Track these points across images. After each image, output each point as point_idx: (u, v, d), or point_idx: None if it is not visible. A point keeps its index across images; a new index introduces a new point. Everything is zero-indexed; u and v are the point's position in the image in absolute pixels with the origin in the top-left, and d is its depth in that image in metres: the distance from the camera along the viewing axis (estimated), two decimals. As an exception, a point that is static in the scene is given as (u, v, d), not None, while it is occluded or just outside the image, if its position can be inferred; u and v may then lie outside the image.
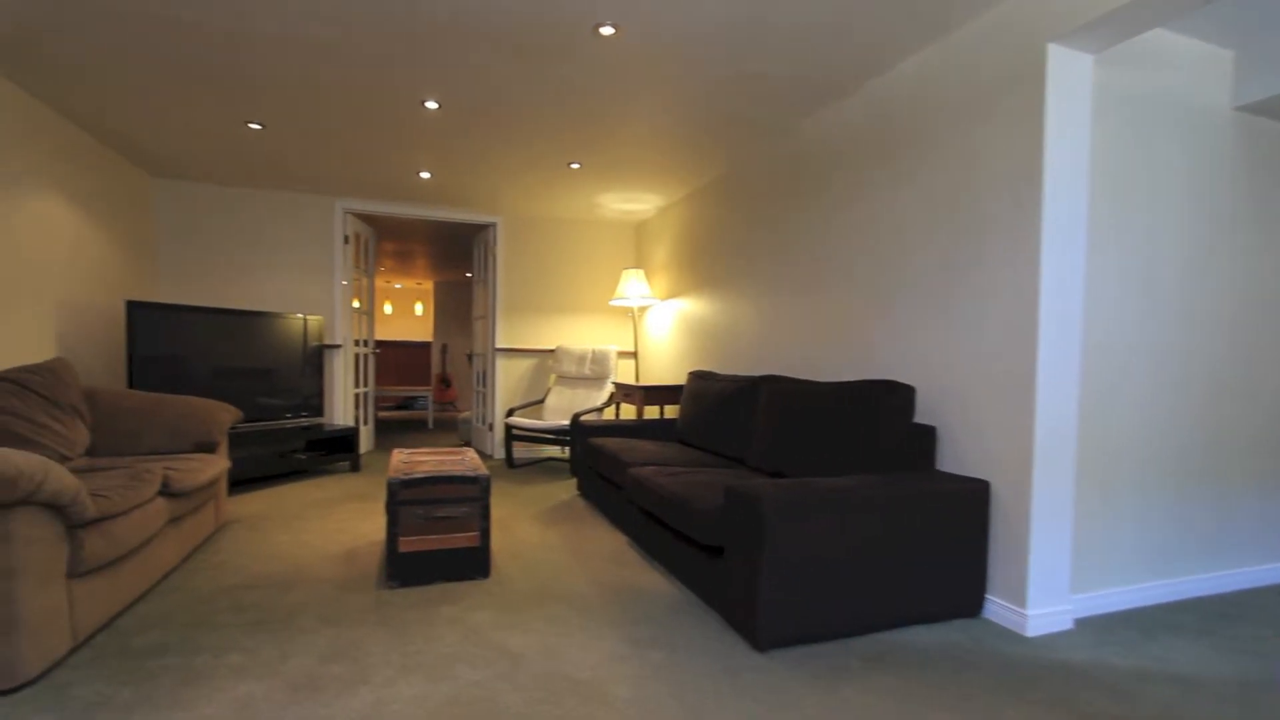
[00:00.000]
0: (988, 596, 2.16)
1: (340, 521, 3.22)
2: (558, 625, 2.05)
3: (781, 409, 2.76)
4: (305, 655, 1.81)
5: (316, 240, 4.89)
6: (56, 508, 1.68)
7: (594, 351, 5.15)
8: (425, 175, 4.26)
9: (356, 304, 5.36)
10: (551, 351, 5.48)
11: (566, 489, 4.15)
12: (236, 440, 3.77)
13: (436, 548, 2.38)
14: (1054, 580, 2.06)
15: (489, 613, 2.13)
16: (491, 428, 5.42)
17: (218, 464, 2.75)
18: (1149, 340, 2.31)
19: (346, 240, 4.99)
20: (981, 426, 2.19)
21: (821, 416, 2.51)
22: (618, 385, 4.69)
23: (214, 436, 2.88)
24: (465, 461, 2.71)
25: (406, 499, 2.35)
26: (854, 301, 2.84)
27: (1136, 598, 2.29)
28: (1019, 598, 2.06)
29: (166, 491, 2.31)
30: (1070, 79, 2.02)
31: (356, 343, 5.33)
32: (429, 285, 10.72)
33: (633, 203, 4.89)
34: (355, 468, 4.55)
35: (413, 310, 11.00)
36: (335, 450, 4.52)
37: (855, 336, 2.83)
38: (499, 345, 5.35)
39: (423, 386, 8.30)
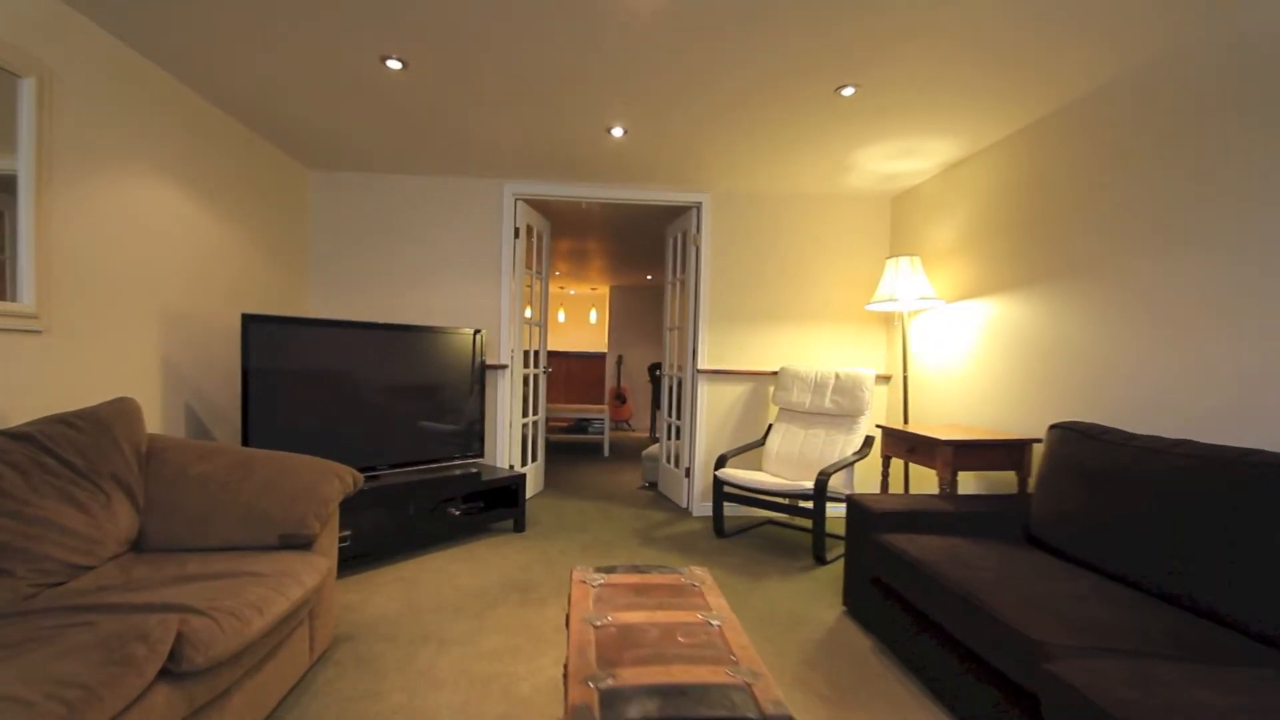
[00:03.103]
0: None
1: (490, 650, 2.05)
2: None
3: None
4: None
5: (481, 235, 3.94)
6: None
7: (838, 377, 3.60)
8: (618, 131, 3.04)
9: (529, 312, 4.37)
10: (774, 374, 4.03)
11: (818, 593, 2.67)
12: (368, 498, 2.82)
13: None
14: None
15: None
16: (689, 474, 4.10)
17: (304, 577, 1.68)
18: None
19: (517, 234, 3.99)
20: None
21: None
22: (884, 431, 3.11)
23: (305, 528, 1.83)
24: (724, 653, 1.34)
25: (604, 766, 1.04)
26: None
27: None
28: None
29: (177, 672, 1.24)
30: None
31: (526, 354, 4.33)
32: (604, 290, 9.87)
33: (908, 157, 3.26)
34: (519, 527, 3.48)
35: (586, 318, 10.23)
36: (495, 504, 3.49)
37: None
38: (702, 366, 4.02)
39: (596, 406, 7.30)
